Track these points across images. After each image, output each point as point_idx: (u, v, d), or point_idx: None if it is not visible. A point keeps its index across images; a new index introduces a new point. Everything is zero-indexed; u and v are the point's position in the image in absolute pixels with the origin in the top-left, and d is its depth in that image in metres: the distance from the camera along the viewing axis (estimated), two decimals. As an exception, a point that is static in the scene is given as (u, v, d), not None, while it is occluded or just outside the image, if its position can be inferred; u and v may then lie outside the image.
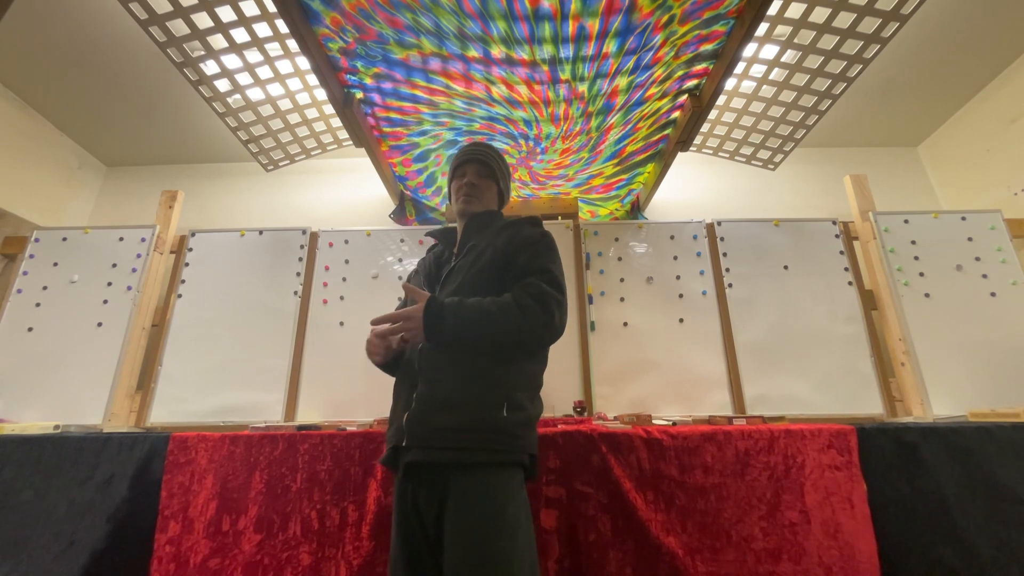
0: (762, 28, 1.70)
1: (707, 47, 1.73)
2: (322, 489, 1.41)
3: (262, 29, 1.73)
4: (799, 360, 2.12)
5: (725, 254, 2.33)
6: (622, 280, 2.30)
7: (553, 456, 1.38)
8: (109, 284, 2.25)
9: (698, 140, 2.29)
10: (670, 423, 1.60)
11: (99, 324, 2.17)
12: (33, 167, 2.68)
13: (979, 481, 1.34)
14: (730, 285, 2.27)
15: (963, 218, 2.26)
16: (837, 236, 2.35)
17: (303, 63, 1.89)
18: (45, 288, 2.23)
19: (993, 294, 2.10)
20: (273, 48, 1.82)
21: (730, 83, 2.03)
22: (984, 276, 2.14)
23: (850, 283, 2.25)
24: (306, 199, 3.02)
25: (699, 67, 1.83)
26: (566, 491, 1.35)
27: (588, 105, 1.94)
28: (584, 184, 2.55)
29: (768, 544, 1.31)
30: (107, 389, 2.07)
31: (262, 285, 2.32)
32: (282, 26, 1.69)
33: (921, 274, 2.17)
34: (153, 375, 2.17)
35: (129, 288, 2.24)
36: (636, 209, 2.74)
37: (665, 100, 1.98)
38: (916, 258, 2.20)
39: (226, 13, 1.63)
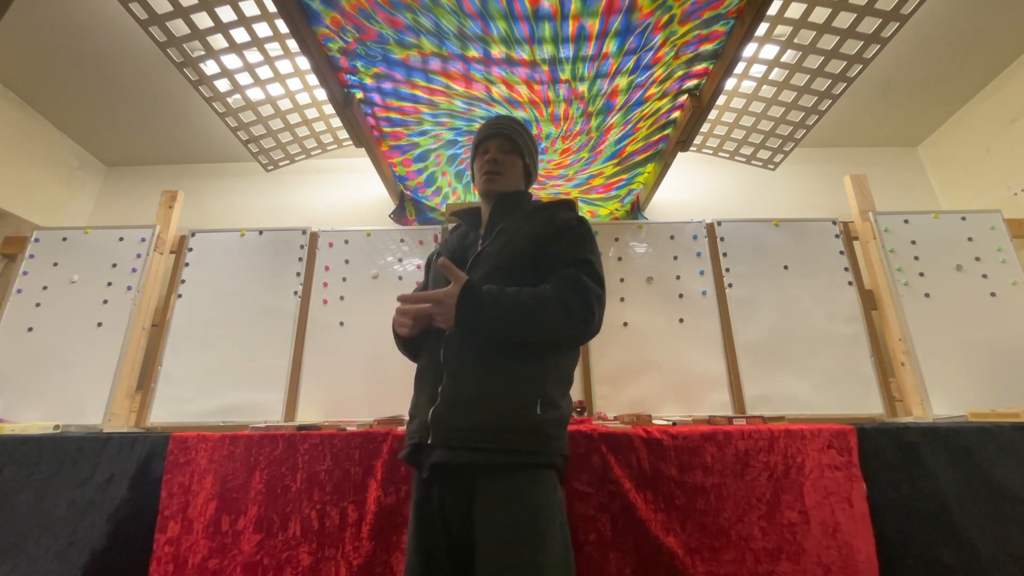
0: (762, 28, 1.70)
1: (707, 47, 1.73)
2: (322, 489, 1.40)
3: (262, 29, 1.73)
4: (799, 360, 2.12)
5: (725, 254, 2.33)
6: (622, 280, 2.30)
7: (553, 456, 1.38)
8: (109, 284, 2.25)
9: (698, 140, 2.29)
10: (670, 423, 1.60)
11: (99, 324, 2.17)
12: (33, 167, 2.68)
13: (979, 481, 1.34)
14: (730, 285, 2.27)
15: (963, 218, 2.26)
16: (837, 236, 2.35)
17: (303, 63, 1.89)
18: (45, 288, 2.23)
19: (993, 294, 2.10)
20: (273, 48, 1.82)
21: (730, 83, 2.03)
22: (984, 276, 2.14)
23: (850, 283, 2.25)
24: (306, 199, 3.02)
25: (699, 67, 1.83)
26: (566, 491, 1.34)
27: (588, 105, 1.94)
28: (584, 184, 2.55)
29: (767, 544, 1.31)
30: (107, 389, 2.07)
31: (262, 285, 2.32)
32: (282, 26, 1.69)
33: (921, 274, 2.17)
34: (153, 375, 2.17)
35: (129, 288, 2.24)
36: (636, 209, 2.74)
37: (665, 100, 1.97)
38: (916, 258, 2.20)
39: (226, 13, 1.63)
